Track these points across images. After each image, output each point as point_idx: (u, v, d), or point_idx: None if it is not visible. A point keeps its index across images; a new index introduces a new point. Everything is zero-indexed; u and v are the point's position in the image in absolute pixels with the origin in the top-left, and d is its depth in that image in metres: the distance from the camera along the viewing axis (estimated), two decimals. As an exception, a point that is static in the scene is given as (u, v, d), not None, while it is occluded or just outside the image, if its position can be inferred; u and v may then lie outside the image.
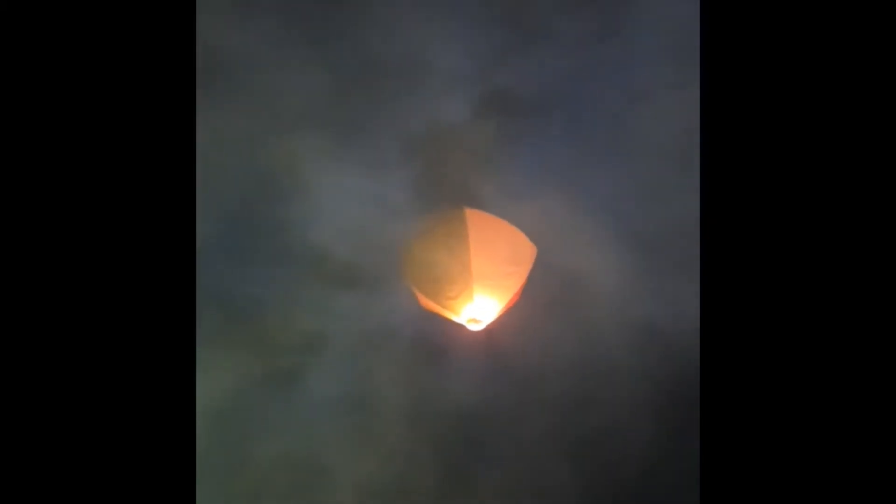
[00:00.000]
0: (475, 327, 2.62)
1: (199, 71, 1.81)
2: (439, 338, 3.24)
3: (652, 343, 3.35)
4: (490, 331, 2.78)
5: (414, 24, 2.94)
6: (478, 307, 2.56)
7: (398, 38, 2.96)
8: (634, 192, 3.32)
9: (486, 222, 2.60)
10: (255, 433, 3.19)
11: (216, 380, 3.00)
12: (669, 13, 2.74)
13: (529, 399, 3.35)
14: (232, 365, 3.19)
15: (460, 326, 2.72)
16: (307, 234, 3.32)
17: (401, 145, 3.22)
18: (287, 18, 2.91)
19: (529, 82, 3.07)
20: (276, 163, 3.14)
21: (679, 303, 3.35)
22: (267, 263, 3.27)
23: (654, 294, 3.42)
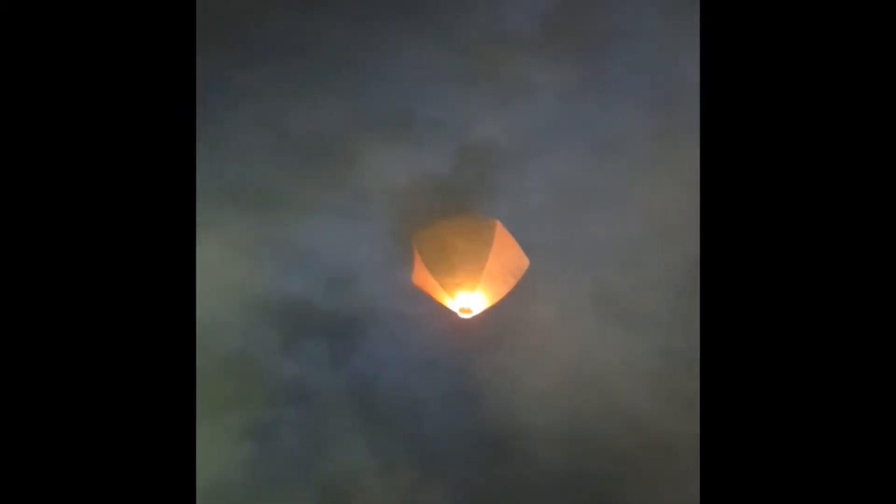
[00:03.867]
0: (465, 316, 2.93)
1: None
2: (416, 387, 3.19)
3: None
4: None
5: (397, 74, 3.01)
6: (473, 299, 2.90)
7: (380, 89, 3.03)
8: (613, 247, 3.36)
9: (507, 239, 3.00)
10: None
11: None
12: (650, 64, 2.86)
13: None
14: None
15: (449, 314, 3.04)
16: (285, 282, 3.29)
17: (381, 194, 3.24)
18: (269, 65, 2.96)
19: (510, 132, 3.14)
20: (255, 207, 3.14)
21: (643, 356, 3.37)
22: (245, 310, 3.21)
23: (615, 347, 3.42)
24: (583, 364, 3.45)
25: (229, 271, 3.23)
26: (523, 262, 3.06)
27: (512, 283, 3.01)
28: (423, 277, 2.97)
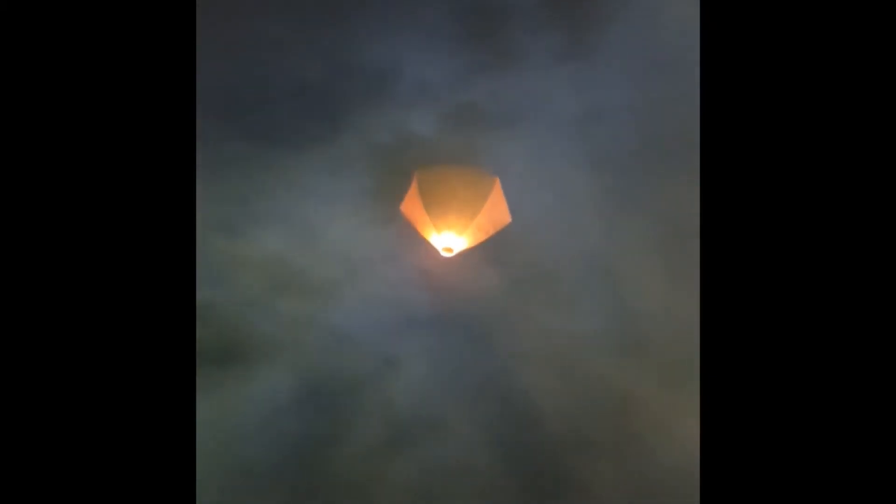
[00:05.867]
0: (447, 255, 3.17)
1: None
2: (393, 344, 3.25)
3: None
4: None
5: (386, 36, 2.94)
6: (457, 241, 3.13)
7: (369, 49, 2.96)
8: (592, 209, 3.39)
9: (500, 196, 3.16)
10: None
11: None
12: (637, 36, 2.83)
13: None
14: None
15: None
16: (263, 238, 3.27)
17: (365, 154, 3.21)
18: (259, 22, 2.87)
19: (497, 98, 3.11)
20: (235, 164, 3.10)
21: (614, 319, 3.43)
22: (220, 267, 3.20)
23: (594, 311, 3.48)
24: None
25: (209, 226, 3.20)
26: (506, 219, 3.28)
27: (491, 234, 3.25)
28: (413, 209, 3.14)
